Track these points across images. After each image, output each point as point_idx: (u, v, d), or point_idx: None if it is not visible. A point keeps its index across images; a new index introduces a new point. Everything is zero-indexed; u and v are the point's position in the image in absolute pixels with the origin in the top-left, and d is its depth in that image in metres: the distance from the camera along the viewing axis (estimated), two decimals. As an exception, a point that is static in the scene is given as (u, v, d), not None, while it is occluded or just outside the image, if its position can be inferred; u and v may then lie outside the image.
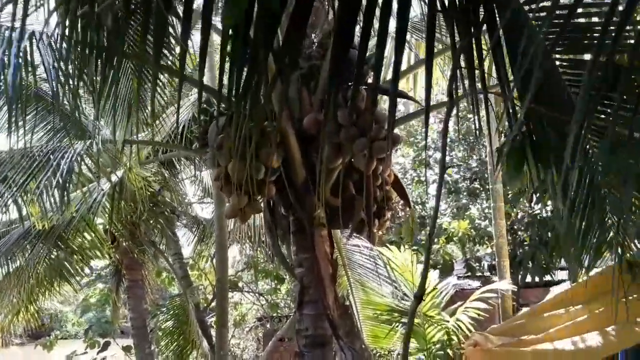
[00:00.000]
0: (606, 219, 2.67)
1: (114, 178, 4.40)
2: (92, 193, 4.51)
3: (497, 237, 7.03)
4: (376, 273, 5.85)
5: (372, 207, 3.65)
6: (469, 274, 10.57)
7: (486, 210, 9.80)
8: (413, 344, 6.21)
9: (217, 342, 5.46)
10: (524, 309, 5.40)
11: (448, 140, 11.39)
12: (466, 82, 2.25)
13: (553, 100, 2.31)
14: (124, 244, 7.25)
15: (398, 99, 4.73)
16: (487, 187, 8.20)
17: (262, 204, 3.47)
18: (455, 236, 9.23)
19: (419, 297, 2.27)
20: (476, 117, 2.29)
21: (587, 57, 2.69)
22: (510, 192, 9.50)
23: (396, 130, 4.26)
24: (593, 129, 2.65)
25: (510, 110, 2.14)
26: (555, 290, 8.41)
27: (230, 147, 3.20)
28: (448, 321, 6.02)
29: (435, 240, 9.89)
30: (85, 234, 5.71)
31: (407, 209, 3.59)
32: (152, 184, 7.38)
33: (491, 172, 6.89)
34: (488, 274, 10.93)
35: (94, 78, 3.51)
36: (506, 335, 3.47)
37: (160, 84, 4.25)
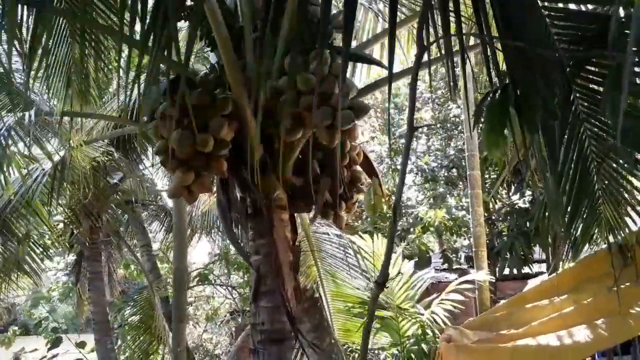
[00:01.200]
0: (596, 194, 2.34)
1: (55, 157, 3.95)
2: (31, 174, 4.05)
3: (474, 226, 6.73)
4: (347, 263, 5.50)
5: (338, 187, 3.29)
6: (446, 265, 10.32)
7: (464, 200, 9.53)
8: (386, 338, 5.90)
9: (175, 337, 5.06)
10: (503, 301, 5.11)
11: (425, 129, 11.12)
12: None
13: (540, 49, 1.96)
14: (76, 231, 6.76)
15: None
16: (465, 175, 7.92)
17: (211, 182, 3.07)
18: (432, 226, 8.93)
19: (382, 283, 1.91)
20: (450, 70, 1.94)
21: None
22: (488, 180, 9.22)
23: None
24: (581, 90, 2.33)
25: (491, 59, 1.78)
26: (532, 283, 8.15)
27: (173, 116, 2.80)
28: (423, 314, 5.72)
29: (411, 230, 9.58)
30: (31, 220, 5.22)
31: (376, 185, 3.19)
32: (110, 170, 6.92)
33: (469, 157, 6.57)
34: (465, 266, 10.72)
35: (21, 36, 3.09)
36: (484, 329, 3.12)
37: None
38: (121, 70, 2.99)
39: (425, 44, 1.78)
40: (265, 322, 3.09)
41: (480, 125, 2.00)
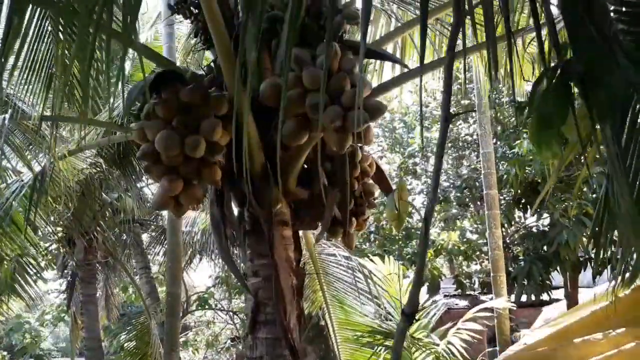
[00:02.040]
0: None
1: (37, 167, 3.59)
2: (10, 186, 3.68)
3: (492, 249, 6.27)
4: (356, 288, 5.06)
5: (348, 200, 2.89)
6: (458, 291, 9.84)
7: (478, 222, 9.07)
8: (398, 371, 5.42)
9: (165, 369, 4.62)
10: (525, 331, 4.66)
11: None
12: None
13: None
14: (62, 250, 6.35)
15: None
16: (479, 195, 7.49)
17: (203, 193, 2.68)
18: (445, 249, 8.46)
19: (412, 314, 1.50)
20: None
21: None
22: (502, 202, 8.77)
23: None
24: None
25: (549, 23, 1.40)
26: (547, 311, 7.62)
27: (159, 115, 2.44)
28: (438, 344, 5.25)
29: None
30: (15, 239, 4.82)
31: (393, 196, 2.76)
32: (105, 186, 6.56)
33: (485, 175, 6.16)
34: (478, 292, 10.24)
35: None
36: (523, 369, 2.67)
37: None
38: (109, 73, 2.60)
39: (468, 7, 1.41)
40: (263, 356, 2.66)
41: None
